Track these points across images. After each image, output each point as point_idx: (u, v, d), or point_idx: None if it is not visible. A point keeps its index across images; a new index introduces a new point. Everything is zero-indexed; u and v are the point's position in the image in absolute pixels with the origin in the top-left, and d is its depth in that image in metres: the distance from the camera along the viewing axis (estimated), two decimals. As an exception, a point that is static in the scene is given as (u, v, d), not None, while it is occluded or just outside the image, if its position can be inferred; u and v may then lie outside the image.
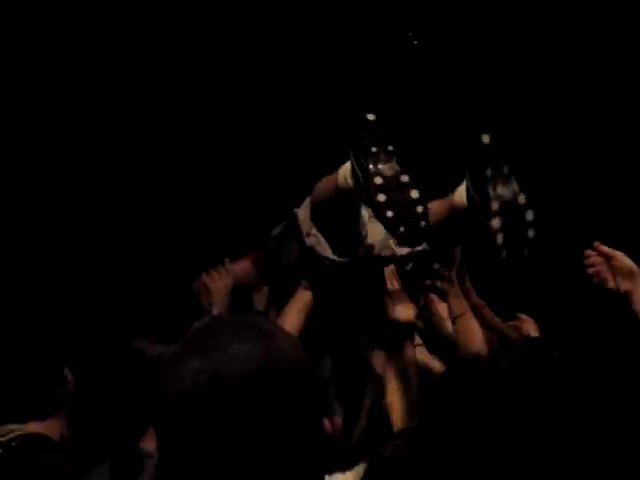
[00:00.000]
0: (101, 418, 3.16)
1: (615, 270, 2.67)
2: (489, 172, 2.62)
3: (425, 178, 2.62)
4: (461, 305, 2.98)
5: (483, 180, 2.63)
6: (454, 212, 2.77)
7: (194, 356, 1.27)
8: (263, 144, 4.44)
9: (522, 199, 2.60)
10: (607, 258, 2.69)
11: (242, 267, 3.40)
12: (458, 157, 2.79)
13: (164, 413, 1.27)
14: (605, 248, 2.71)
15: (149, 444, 3.11)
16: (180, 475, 1.24)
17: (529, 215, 2.58)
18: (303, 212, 3.01)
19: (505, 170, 2.63)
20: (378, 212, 2.47)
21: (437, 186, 2.88)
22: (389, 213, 2.45)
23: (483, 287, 3.39)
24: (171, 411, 1.25)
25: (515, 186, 2.62)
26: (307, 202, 3.06)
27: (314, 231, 2.95)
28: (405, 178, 2.51)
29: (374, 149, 2.53)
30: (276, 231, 3.26)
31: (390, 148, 2.54)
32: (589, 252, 2.74)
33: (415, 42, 3.31)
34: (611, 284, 2.67)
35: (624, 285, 2.64)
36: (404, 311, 2.97)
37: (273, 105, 4.45)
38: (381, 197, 2.46)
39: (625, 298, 2.61)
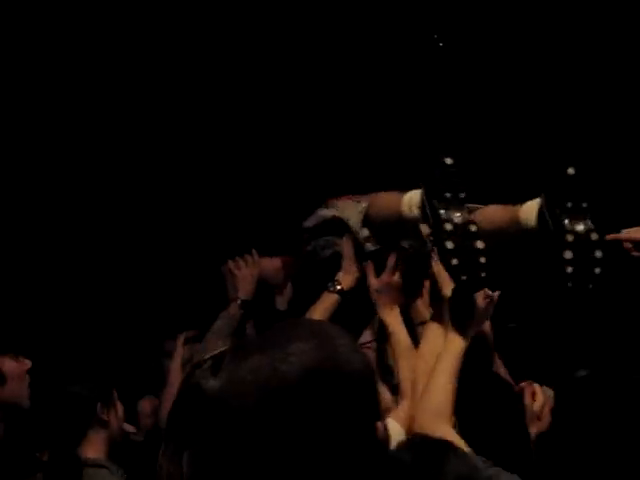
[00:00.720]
0: (37, 424, 3.06)
1: None
2: (569, 204, 2.76)
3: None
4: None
5: (562, 210, 2.77)
6: (514, 226, 2.89)
7: (255, 354, 1.31)
8: (286, 144, 4.52)
9: (595, 236, 2.74)
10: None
11: (271, 263, 3.54)
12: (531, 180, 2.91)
13: (225, 409, 1.31)
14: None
15: (89, 452, 3.01)
16: (234, 470, 1.29)
17: (598, 253, 2.73)
18: (355, 218, 3.12)
19: (584, 205, 2.77)
20: (444, 258, 2.62)
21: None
22: (454, 261, 2.60)
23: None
24: (232, 407, 1.30)
25: (589, 223, 2.77)
26: (349, 205, 3.17)
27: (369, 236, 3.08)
28: (473, 228, 2.65)
29: (448, 195, 2.67)
30: (310, 223, 3.35)
31: (462, 195, 2.68)
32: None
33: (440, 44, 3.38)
34: None
35: None
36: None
37: (292, 106, 4.49)
38: (449, 244, 2.61)
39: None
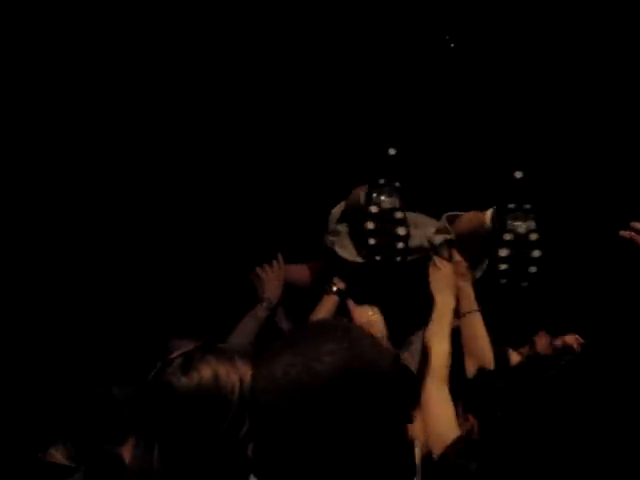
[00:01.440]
0: (80, 423, 2.99)
1: None
2: (512, 206, 2.94)
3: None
4: (471, 303, 3.13)
5: (506, 212, 2.95)
6: (481, 228, 3.10)
7: (287, 352, 1.34)
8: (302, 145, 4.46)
9: (534, 237, 2.91)
10: None
11: (298, 269, 3.64)
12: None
13: (257, 403, 1.34)
14: None
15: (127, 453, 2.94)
16: (269, 465, 1.31)
17: (535, 253, 2.89)
18: (336, 210, 3.38)
19: (526, 207, 2.94)
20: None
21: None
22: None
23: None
24: (263, 402, 1.32)
25: (532, 224, 2.93)
26: (343, 203, 3.40)
27: (340, 228, 3.33)
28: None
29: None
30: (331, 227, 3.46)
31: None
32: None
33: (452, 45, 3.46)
34: None
35: None
36: None
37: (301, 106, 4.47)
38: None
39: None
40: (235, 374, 1.84)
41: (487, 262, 3.23)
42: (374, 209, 2.91)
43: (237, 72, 4.43)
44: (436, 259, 3.19)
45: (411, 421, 1.41)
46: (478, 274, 3.22)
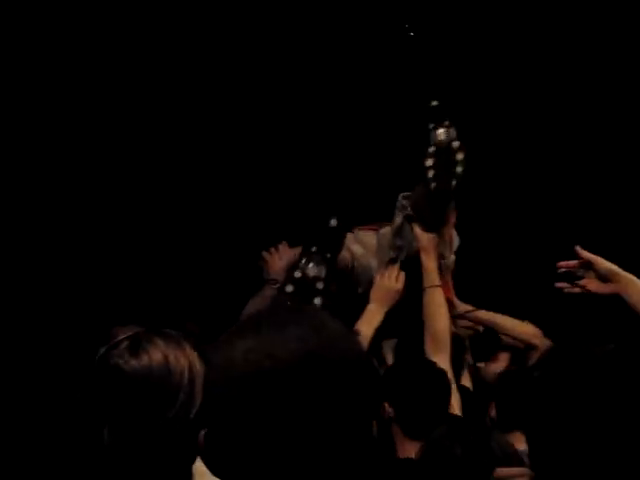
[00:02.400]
0: None
1: (597, 274, 2.59)
2: (431, 125, 3.17)
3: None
4: (431, 279, 3.28)
5: (428, 131, 3.17)
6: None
7: (248, 336, 1.26)
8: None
9: (456, 144, 3.12)
10: (588, 264, 2.60)
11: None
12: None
13: (211, 389, 1.28)
14: (586, 253, 2.62)
15: None
16: (224, 453, 1.23)
17: (459, 156, 3.09)
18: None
19: (446, 122, 3.16)
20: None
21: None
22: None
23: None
24: (219, 387, 1.25)
25: (453, 133, 3.14)
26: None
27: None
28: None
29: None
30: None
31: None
32: (563, 263, 2.67)
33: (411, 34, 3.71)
34: (595, 288, 2.59)
35: (610, 288, 2.56)
36: None
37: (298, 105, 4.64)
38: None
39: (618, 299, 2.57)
40: (185, 358, 1.78)
41: (458, 243, 3.38)
42: (297, 274, 3.04)
43: (237, 72, 4.56)
44: (387, 271, 3.35)
45: (377, 415, 1.40)
46: (447, 254, 3.35)
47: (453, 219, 3.37)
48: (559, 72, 4.76)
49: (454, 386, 3.20)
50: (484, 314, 3.74)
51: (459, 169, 3.12)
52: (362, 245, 3.69)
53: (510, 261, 4.77)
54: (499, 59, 4.74)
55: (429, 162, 3.15)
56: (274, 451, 1.20)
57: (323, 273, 3.04)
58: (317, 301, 3.03)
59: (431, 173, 3.13)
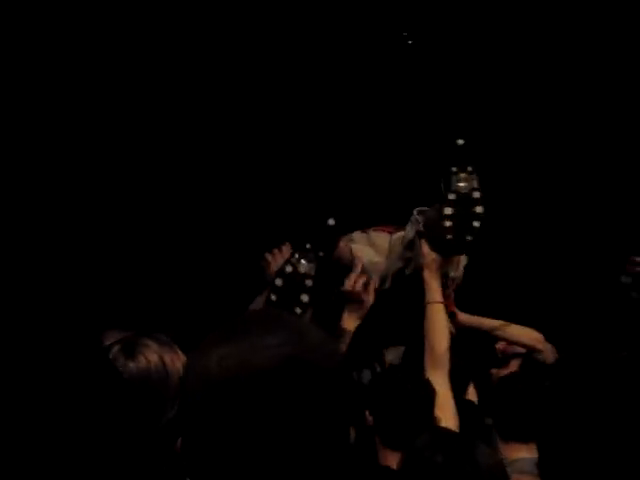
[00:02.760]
0: None
1: None
2: (454, 169, 3.14)
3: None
4: (433, 295, 3.28)
5: (449, 175, 3.14)
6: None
7: (223, 344, 1.26)
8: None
9: (476, 194, 3.09)
10: None
11: None
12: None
13: (188, 397, 1.27)
14: None
15: None
16: (201, 460, 1.24)
17: (478, 209, 3.08)
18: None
19: (468, 169, 3.13)
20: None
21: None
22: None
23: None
24: (194, 395, 1.25)
25: (475, 183, 3.11)
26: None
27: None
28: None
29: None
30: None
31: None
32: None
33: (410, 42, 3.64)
34: None
35: None
36: None
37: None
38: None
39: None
40: (179, 360, 1.81)
41: (465, 262, 3.39)
42: (288, 269, 3.05)
43: (237, 72, 4.52)
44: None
45: (355, 423, 1.36)
46: (452, 273, 3.36)
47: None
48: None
49: (450, 400, 3.20)
50: (486, 321, 3.81)
51: (476, 224, 3.12)
52: (374, 247, 3.71)
53: (511, 270, 4.84)
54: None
55: (447, 210, 3.14)
56: (249, 457, 1.21)
57: (313, 271, 3.08)
58: (304, 298, 3.07)
59: (448, 223, 3.13)
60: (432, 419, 3.08)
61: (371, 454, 3.12)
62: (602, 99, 4.74)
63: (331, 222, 3.18)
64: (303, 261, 3.09)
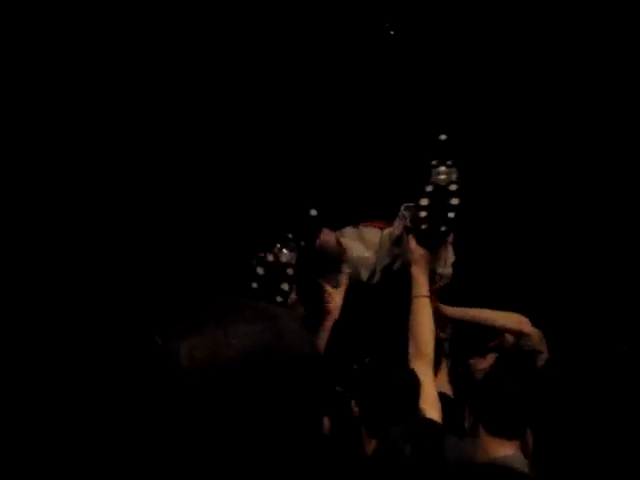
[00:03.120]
0: None
1: None
2: (434, 162, 3.25)
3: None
4: (419, 289, 3.33)
5: (429, 168, 3.26)
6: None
7: (194, 333, 1.24)
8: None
9: (453, 187, 3.20)
10: None
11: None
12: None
13: (159, 387, 1.25)
14: None
15: None
16: (174, 453, 1.22)
17: (454, 201, 3.18)
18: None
19: (448, 162, 3.23)
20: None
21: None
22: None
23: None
24: (165, 385, 1.24)
25: (453, 176, 3.22)
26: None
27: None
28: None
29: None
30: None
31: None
32: None
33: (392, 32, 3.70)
34: None
35: None
36: None
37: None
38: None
39: None
40: None
41: (453, 259, 3.49)
42: (270, 258, 3.16)
43: (237, 73, 4.60)
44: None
45: (331, 413, 1.40)
46: (440, 269, 3.46)
47: (449, 239, 3.42)
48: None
49: (433, 391, 3.25)
50: (469, 311, 3.82)
51: (451, 214, 3.21)
52: (364, 242, 3.81)
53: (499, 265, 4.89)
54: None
55: (424, 201, 3.25)
56: (221, 450, 1.19)
57: (294, 260, 3.18)
58: (285, 286, 3.17)
59: (423, 214, 3.23)
60: (416, 410, 3.12)
61: (357, 444, 3.15)
62: (587, 89, 4.77)
63: (313, 212, 3.30)
64: (285, 250, 3.20)
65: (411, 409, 3.11)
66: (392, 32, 3.68)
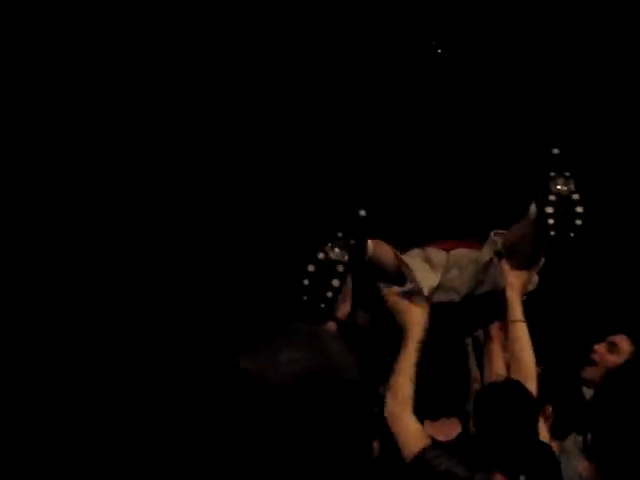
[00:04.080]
0: None
1: None
2: (552, 174, 3.27)
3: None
4: (515, 313, 3.29)
5: (547, 179, 3.27)
6: (527, 223, 3.29)
7: (244, 356, 1.24)
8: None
9: (576, 196, 3.24)
10: None
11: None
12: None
13: (206, 407, 1.26)
14: None
15: None
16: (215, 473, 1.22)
17: (579, 209, 3.22)
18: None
19: (566, 173, 3.28)
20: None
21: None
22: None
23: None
24: (212, 407, 1.24)
25: (572, 186, 3.26)
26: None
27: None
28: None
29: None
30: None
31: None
32: None
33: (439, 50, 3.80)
34: None
35: None
36: None
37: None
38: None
39: None
40: None
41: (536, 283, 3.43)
42: (321, 256, 3.19)
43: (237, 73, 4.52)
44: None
45: (373, 439, 1.47)
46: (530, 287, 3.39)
47: (541, 262, 3.39)
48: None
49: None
50: None
51: (579, 222, 3.25)
52: (429, 262, 3.68)
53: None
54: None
55: (549, 209, 3.24)
56: (270, 472, 1.18)
57: (345, 257, 3.17)
58: (335, 282, 3.17)
59: (551, 221, 3.23)
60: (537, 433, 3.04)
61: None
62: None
63: (362, 213, 3.24)
64: (336, 249, 3.22)
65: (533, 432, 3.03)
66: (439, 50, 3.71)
